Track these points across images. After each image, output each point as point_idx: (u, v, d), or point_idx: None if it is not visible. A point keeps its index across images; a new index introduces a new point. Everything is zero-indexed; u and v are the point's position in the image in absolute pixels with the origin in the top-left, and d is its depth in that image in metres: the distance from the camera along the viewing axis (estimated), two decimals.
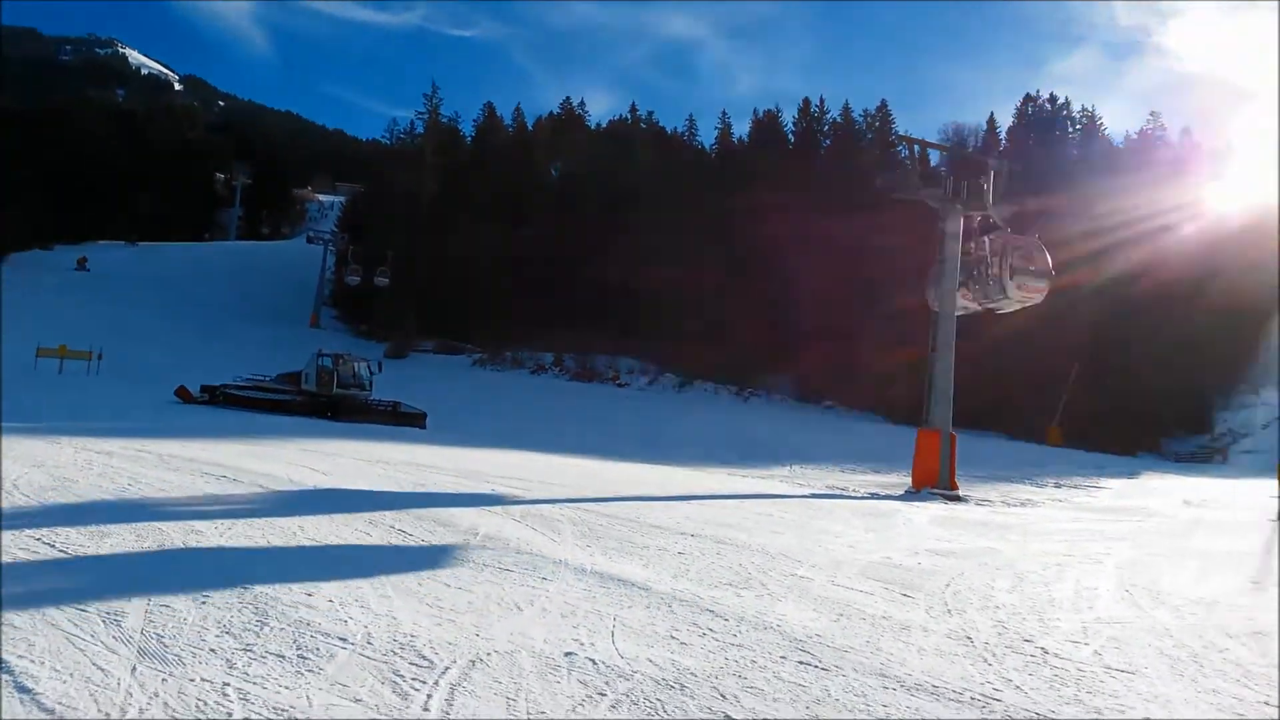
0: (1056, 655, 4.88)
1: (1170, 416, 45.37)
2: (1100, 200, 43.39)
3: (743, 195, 49.68)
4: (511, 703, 3.42)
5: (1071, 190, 42.79)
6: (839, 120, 61.50)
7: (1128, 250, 42.30)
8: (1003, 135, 60.12)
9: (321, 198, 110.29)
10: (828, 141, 61.22)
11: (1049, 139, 58.39)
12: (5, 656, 3.46)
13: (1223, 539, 11.78)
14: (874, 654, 4.62)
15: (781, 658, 4.41)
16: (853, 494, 16.05)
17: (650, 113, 69.88)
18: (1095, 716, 3.89)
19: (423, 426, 26.15)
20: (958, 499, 15.65)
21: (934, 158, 28.77)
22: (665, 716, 3.41)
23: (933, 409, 17.38)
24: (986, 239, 15.69)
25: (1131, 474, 25.95)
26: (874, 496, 15.63)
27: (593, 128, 71.93)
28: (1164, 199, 46.44)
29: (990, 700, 3.95)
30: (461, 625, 4.54)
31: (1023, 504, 15.76)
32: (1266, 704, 4.40)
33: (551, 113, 74.89)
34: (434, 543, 6.98)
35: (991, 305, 16.02)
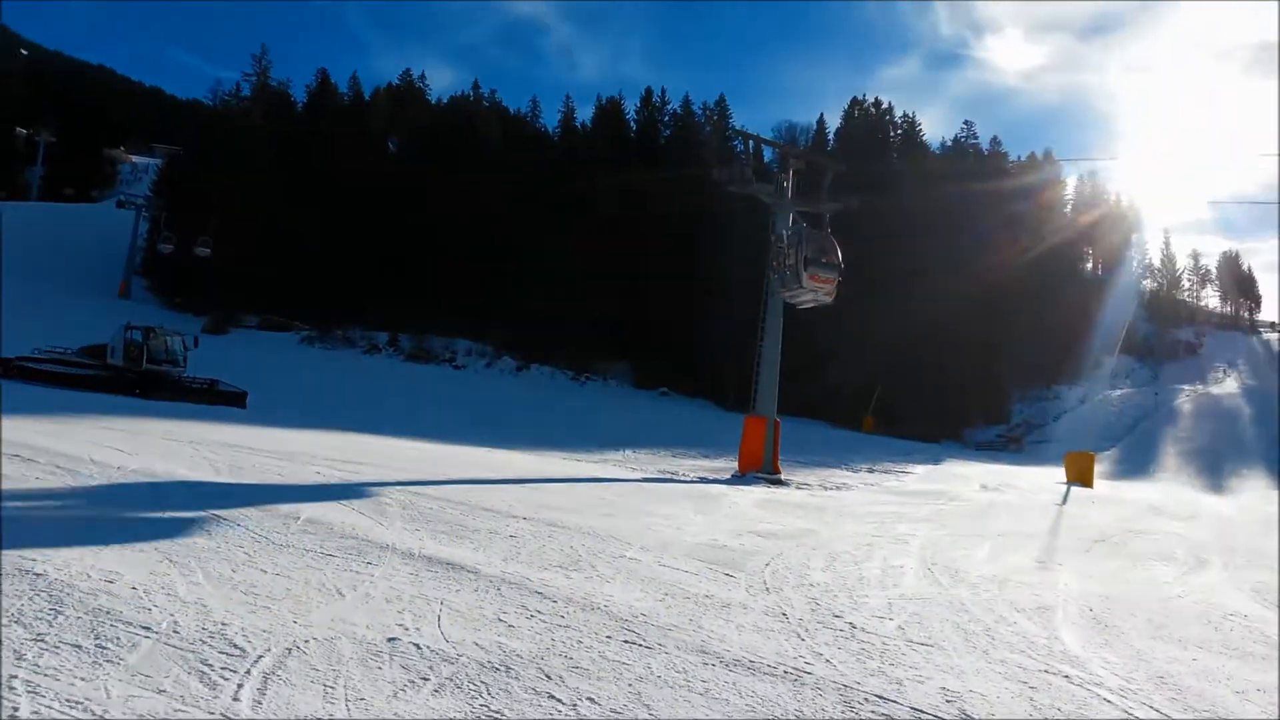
0: (864, 630, 5.21)
1: (972, 407, 48.91)
2: (917, 203, 46.12)
3: (585, 180, 49.76)
4: (329, 690, 3.34)
5: (893, 192, 45.22)
6: (679, 112, 62.64)
7: (940, 251, 45.24)
8: (831, 136, 62.91)
9: (135, 159, 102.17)
10: (668, 132, 62.20)
11: (874, 142, 61.43)
12: None
13: (1014, 521, 12.85)
14: (696, 631, 4.79)
15: (607, 637, 4.50)
16: (683, 478, 16.46)
17: (493, 91, 68.48)
18: (895, 686, 4.18)
19: (243, 406, 24.83)
20: (780, 483, 16.33)
21: (768, 154, 29.82)
22: (489, 699, 3.42)
23: (759, 397, 18.06)
24: (784, 232, 16.54)
25: (936, 460, 27.86)
26: (703, 480, 16.09)
27: (434, 102, 70.05)
28: (975, 205, 49.89)
29: (802, 673, 4.18)
30: (278, 613, 4.38)
31: (839, 487, 16.62)
32: (1046, 671, 4.86)
33: (390, 83, 72.53)
34: (251, 528, 6.67)
35: (789, 295, 16.87)
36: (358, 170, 54.10)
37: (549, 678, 3.73)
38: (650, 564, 6.66)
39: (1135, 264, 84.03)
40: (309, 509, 7.68)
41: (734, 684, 3.92)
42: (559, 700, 3.47)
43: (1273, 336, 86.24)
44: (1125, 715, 4.22)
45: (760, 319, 18.34)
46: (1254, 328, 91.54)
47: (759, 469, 17.10)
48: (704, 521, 9.50)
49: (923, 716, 3.75)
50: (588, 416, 32.73)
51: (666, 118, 62.86)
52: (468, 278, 48.97)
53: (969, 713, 3.89)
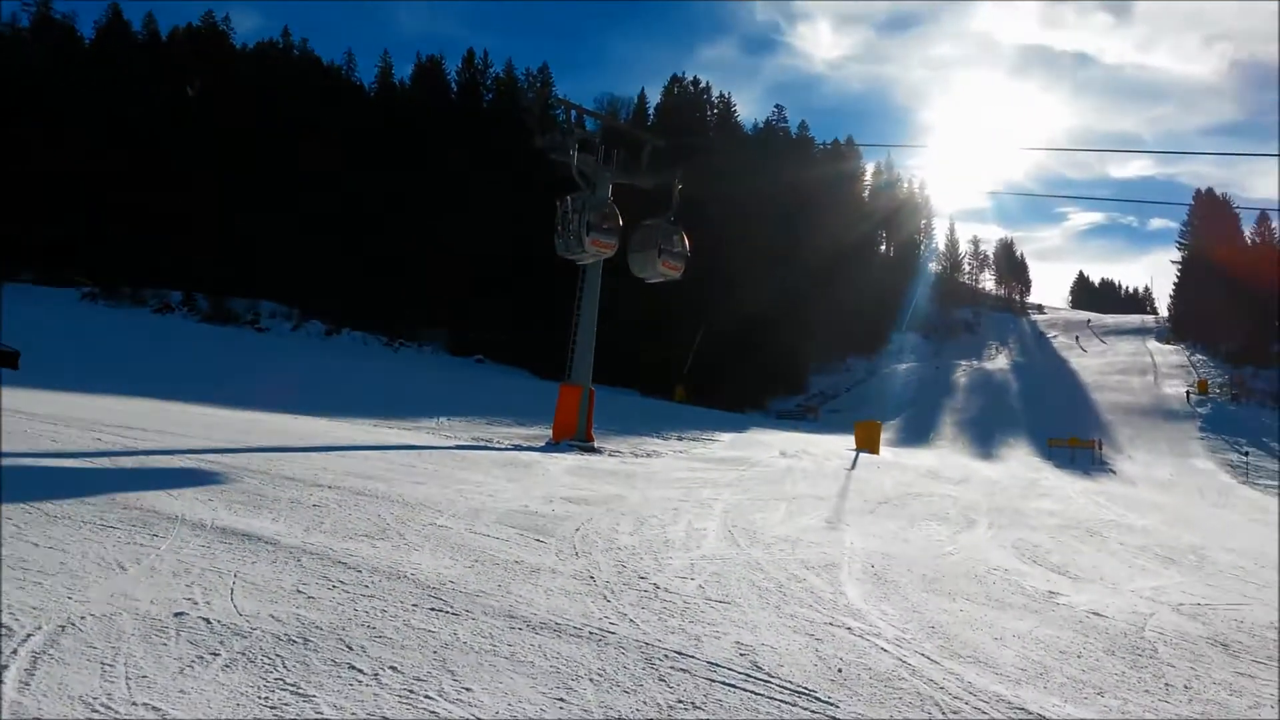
0: (666, 590, 5.41)
1: (775, 379, 51.31)
2: (730, 181, 47.52)
3: (404, 139, 48.06)
4: (108, 668, 3.14)
5: (709, 169, 46.37)
6: (502, 76, 61.60)
7: (748, 229, 46.92)
8: (652, 111, 63.77)
9: None
10: (490, 95, 61.04)
11: (692, 119, 62.76)
12: None
13: (809, 485, 13.63)
14: (505, 597, 4.82)
15: (414, 605, 4.45)
16: (497, 445, 16.39)
17: (304, 40, 64.77)
18: (694, 642, 4.38)
19: (14, 367, 22.52)
20: (593, 450, 16.58)
21: (590, 125, 29.80)
22: (285, 673, 3.32)
23: (575, 366, 18.21)
24: (569, 198, 17.16)
25: (741, 429, 29.06)
26: (517, 448, 16.08)
27: (239, 47, 65.37)
28: (783, 186, 51.97)
29: (606, 633, 4.31)
30: (50, 588, 4.06)
31: (649, 455, 17.05)
32: (831, 624, 5.22)
33: (191, 24, 67.06)
34: (21, 498, 6.11)
35: (571, 257, 17.68)
36: (154, 115, 49.79)
37: (350, 648, 3.65)
38: (461, 531, 6.62)
39: (923, 248, 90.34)
40: (88, 478, 7.12)
41: (540, 646, 3.99)
42: (360, 670, 3.42)
43: (1040, 318, 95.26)
44: (899, 662, 4.61)
45: (578, 288, 18.45)
46: (1024, 310, 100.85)
47: (573, 437, 17.28)
48: (516, 488, 9.52)
49: (717, 669, 3.96)
50: (400, 383, 31.86)
51: (489, 81, 61.64)
52: (276, 235, 46.29)
53: (760, 664, 4.14)
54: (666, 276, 18.62)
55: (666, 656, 4.05)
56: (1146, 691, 4.81)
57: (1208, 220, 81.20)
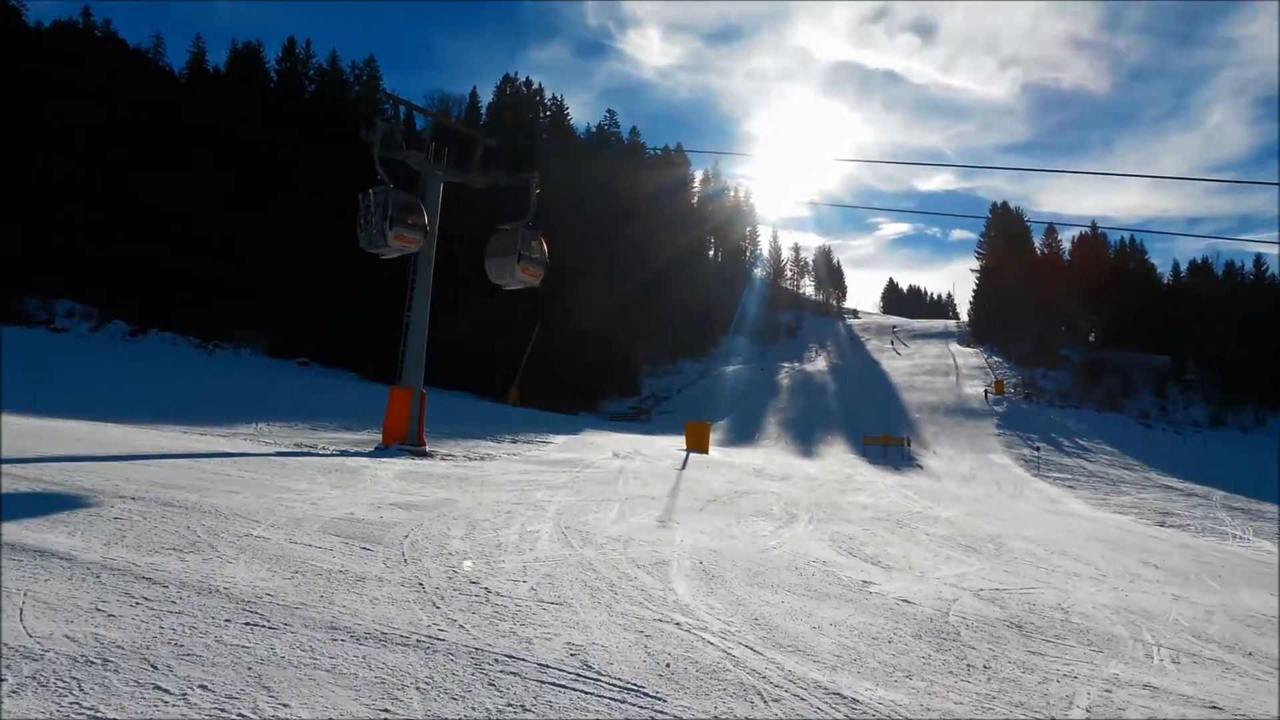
0: (498, 594, 5.37)
1: (608, 381, 51.81)
2: (562, 185, 47.61)
3: (216, 129, 45.34)
4: None
5: (540, 171, 46.29)
6: (325, 67, 59.19)
7: (581, 233, 47.09)
8: (484, 110, 63.03)
9: None
10: (313, 87, 58.55)
11: (525, 120, 62.47)
12: None
13: (641, 485, 13.82)
14: (327, 608, 4.64)
15: (226, 621, 4.22)
16: (321, 451, 15.73)
17: (107, 21, 59.90)
18: (525, 645, 4.36)
19: None
20: (425, 454, 16.20)
21: (420, 122, 29.16)
22: (81, 696, 3.07)
23: (405, 368, 17.76)
24: (371, 192, 16.88)
25: (575, 430, 29.16)
26: (343, 454, 15.50)
27: (31, 25, 59.75)
28: (615, 190, 52.57)
29: (435, 640, 4.22)
30: None
31: (482, 458, 16.83)
32: (660, 620, 5.32)
33: None
34: None
35: (374, 250, 17.41)
36: None
37: (155, 668, 3.42)
38: (280, 541, 6.32)
39: (750, 254, 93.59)
40: None
41: (364, 657, 3.87)
42: (166, 691, 3.21)
43: (855, 322, 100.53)
44: (724, 654, 4.76)
45: (408, 287, 18.00)
46: (840, 314, 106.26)
47: (403, 441, 16.83)
48: (342, 495, 9.18)
49: (548, 671, 3.96)
50: (215, 387, 30.04)
51: (312, 72, 59.09)
52: (74, 228, 42.61)
53: (590, 663, 4.17)
54: (525, 284, 18.52)
55: (497, 660, 4.02)
56: (950, 673, 5.17)
57: (1002, 232, 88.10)
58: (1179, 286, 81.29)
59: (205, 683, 3.33)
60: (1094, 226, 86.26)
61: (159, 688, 3.22)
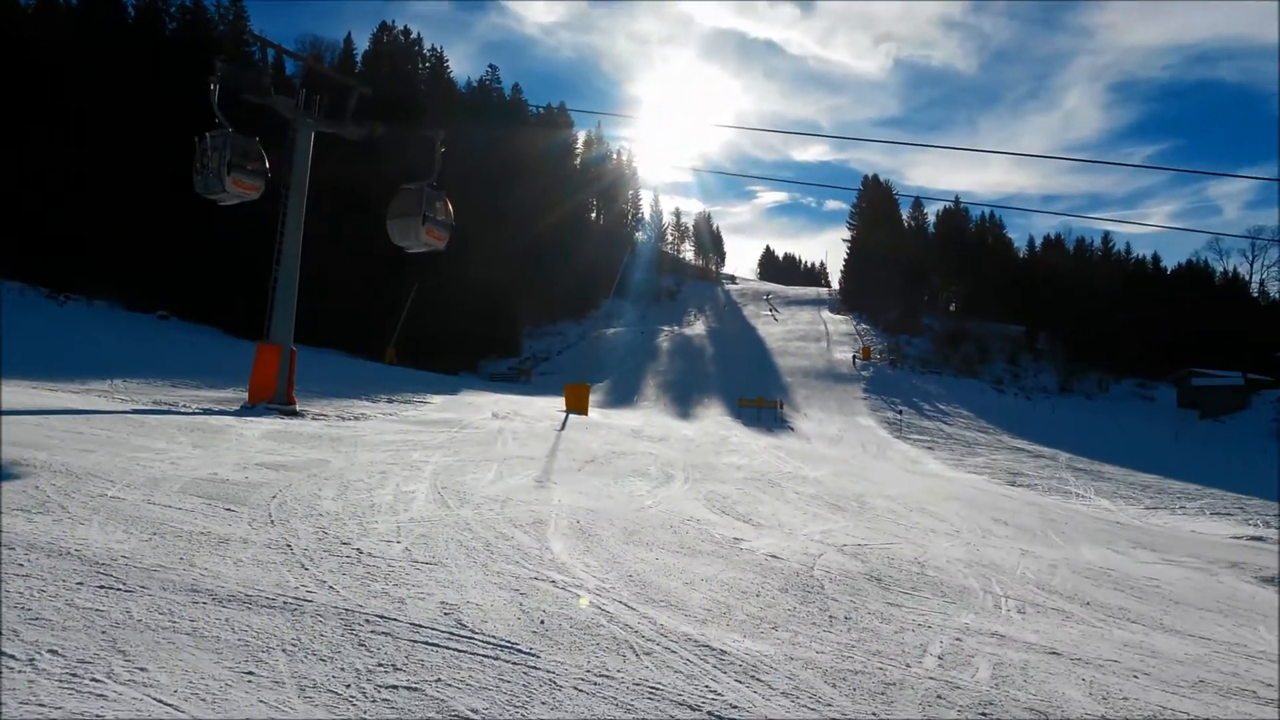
0: (370, 555, 5.29)
1: (488, 341, 51.22)
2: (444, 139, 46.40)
3: (66, 60, 42.07)
4: None
5: (419, 123, 44.94)
6: (188, 4, 55.66)
7: (465, 190, 46.07)
8: (359, 58, 60.58)
9: None
10: (174, 25, 54.96)
11: (401, 71, 60.43)
12: None
13: (520, 446, 13.80)
14: (187, 570, 4.47)
15: (79, 584, 4.01)
16: (183, 409, 15.02)
17: None
18: (398, 605, 4.32)
19: None
20: (295, 413, 15.69)
21: (291, 67, 27.86)
22: None
23: (274, 324, 17.09)
24: (208, 135, 16.17)
25: (454, 390, 28.74)
26: (207, 412, 14.84)
27: None
28: (497, 148, 51.66)
29: (302, 602, 4.13)
30: None
31: (357, 418, 16.43)
32: (536, 579, 5.35)
33: None
34: None
35: (211, 197, 16.74)
36: None
37: None
38: (137, 502, 6.03)
39: (632, 218, 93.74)
40: None
41: (227, 620, 3.75)
42: (12, 657, 3.04)
43: (732, 288, 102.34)
44: (599, 610, 4.84)
45: (277, 238, 17.27)
46: (719, 280, 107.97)
47: (271, 400, 16.23)
48: (204, 455, 8.81)
49: (421, 630, 3.94)
50: (66, 342, 28.18)
51: (173, 9, 55.43)
52: None
53: (464, 622, 4.17)
54: (431, 246, 17.88)
55: (368, 621, 3.97)
56: (814, 624, 5.40)
57: (873, 204, 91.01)
58: (1034, 260, 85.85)
59: (55, 647, 3.17)
60: (957, 201, 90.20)
61: (4, 654, 3.05)
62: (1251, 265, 63.71)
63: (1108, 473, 28.64)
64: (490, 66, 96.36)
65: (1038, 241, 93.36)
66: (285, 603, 4.09)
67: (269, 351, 16.64)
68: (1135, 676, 5.24)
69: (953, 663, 4.92)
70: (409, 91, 50.92)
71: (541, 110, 73.40)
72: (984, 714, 4.02)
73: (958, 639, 5.55)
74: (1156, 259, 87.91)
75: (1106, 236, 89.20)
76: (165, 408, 15.12)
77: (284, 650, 3.48)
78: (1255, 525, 21.54)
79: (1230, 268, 71.80)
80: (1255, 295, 66.36)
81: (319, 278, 22.65)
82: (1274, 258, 61.61)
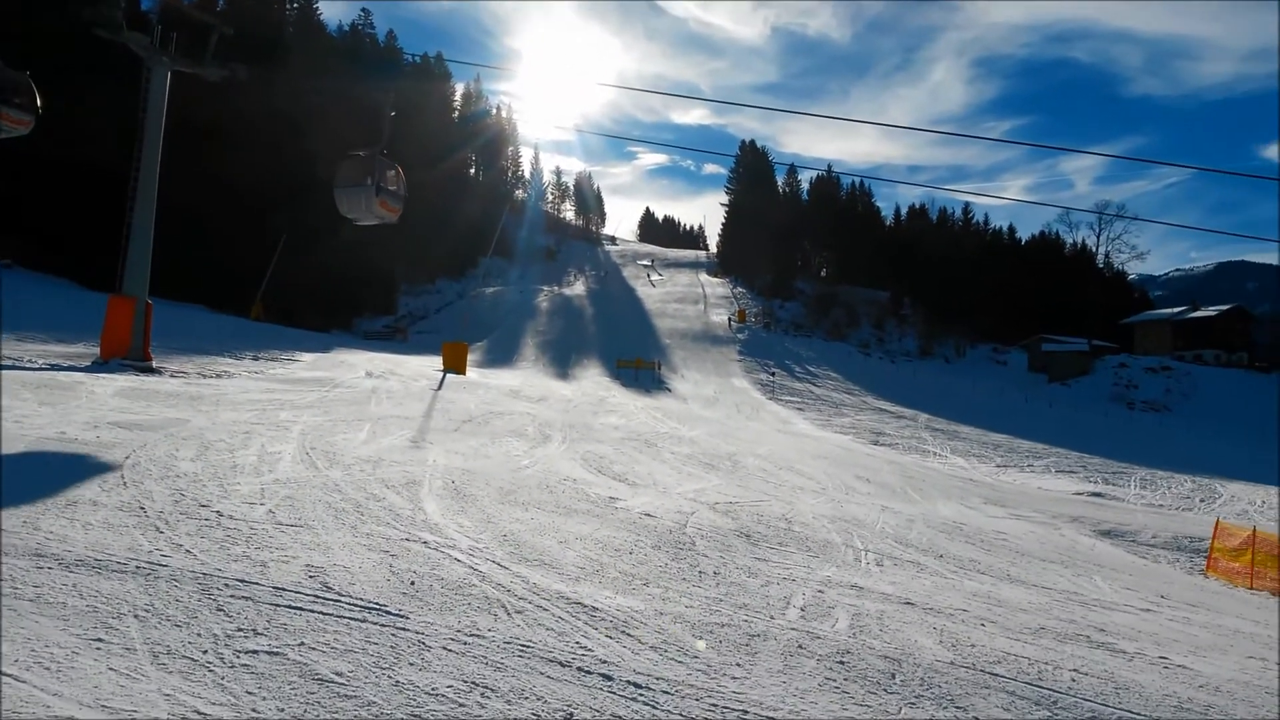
0: (231, 517, 5.10)
1: (362, 298, 49.72)
2: (315, 85, 44.43)
3: None
4: None
5: (287, 65, 42.86)
6: None
7: (335, 139, 44.18)
8: None
9: None
10: None
11: (269, 10, 57.29)
12: None
13: (394, 405, 13.52)
14: (31, 534, 4.22)
15: None
16: (28, 365, 14.06)
17: None
18: (259, 568, 4.20)
19: None
20: (151, 370, 14.91)
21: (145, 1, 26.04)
22: None
23: (128, 275, 16.11)
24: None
25: (325, 348, 27.88)
26: (55, 368, 13.93)
27: None
28: (368, 97, 49.76)
29: (157, 566, 3.97)
30: None
31: (219, 375, 15.75)
32: (407, 540, 5.29)
33: None
34: None
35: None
36: None
37: None
38: None
39: (511, 175, 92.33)
40: None
41: (74, 585, 3.57)
42: None
43: (613, 249, 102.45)
44: (471, 570, 4.82)
45: (130, 184, 16.24)
46: (599, 240, 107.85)
47: (126, 355, 15.36)
48: (52, 413, 8.29)
49: (284, 594, 3.84)
50: None
51: None
52: None
53: (330, 584, 4.09)
54: (382, 219, 16.64)
55: (227, 585, 3.84)
56: (684, 579, 5.54)
57: (750, 169, 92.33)
58: (900, 229, 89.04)
59: None
60: (829, 169, 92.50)
61: None
62: (1098, 238, 67.65)
63: (963, 433, 30.21)
64: (363, 10, 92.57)
65: (903, 210, 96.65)
66: (138, 567, 3.92)
67: (123, 304, 15.71)
68: (982, 625, 5.60)
69: (814, 614, 5.14)
70: (275, 32, 48.29)
71: (418, 59, 70.92)
72: (841, 662, 4.22)
73: (820, 591, 5.80)
74: (1012, 230, 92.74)
75: (967, 207, 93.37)
76: (9, 363, 14.12)
77: (136, 616, 3.34)
78: (1095, 482, 23.21)
79: (1079, 240, 76.06)
80: (1101, 266, 70.60)
81: (179, 227, 21.48)
82: (1118, 231, 65.61)
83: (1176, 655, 5.71)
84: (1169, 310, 71.72)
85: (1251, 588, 12.20)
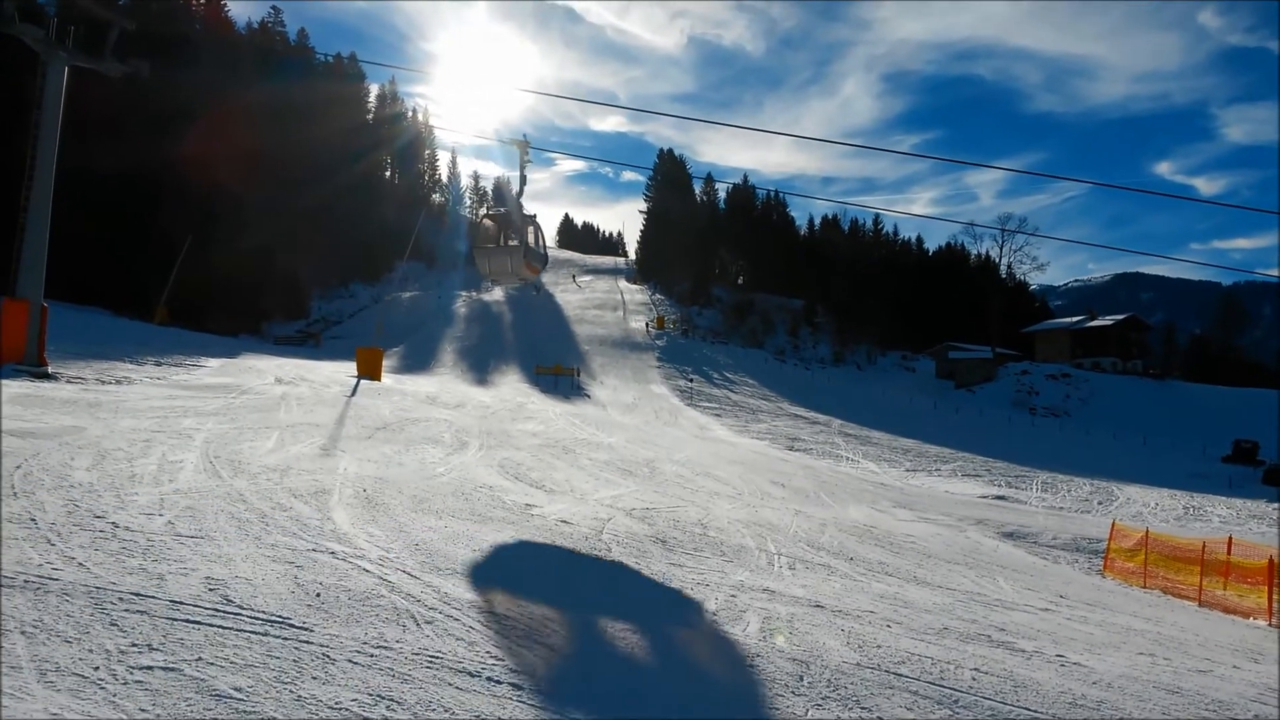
0: (128, 529, 4.91)
1: (272, 302, 48.38)
2: (218, 83, 43.12)
3: None
4: None
5: (192, 68, 41.47)
6: None
7: (241, 139, 42.89)
8: None
9: None
10: None
11: (172, 5, 55.33)
12: None
13: (305, 412, 13.19)
14: None
15: None
16: None
17: None
18: (156, 581, 4.05)
19: None
20: (47, 376, 14.26)
21: None
22: None
23: (21, 276, 15.38)
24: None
25: (233, 354, 27.03)
26: None
27: None
28: (280, 96, 48.62)
29: (47, 580, 3.80)
30: None
31: (119, 382, 15.13)
32: (314, 550, 5.17)
33: None
34: None
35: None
36: None
37: None
38: None
39: (428, 179, 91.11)
40: None
41: None
42: None
43: None
44: (380, 580, 4.74)
45: (24, 183, 15.52)
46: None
47: (20, 361, 14.66)
48: None
49: (181, 607, 3.72)
50: None
51: None
52: None
53: (231, 597, 3.97)
54: (525, 280, 14.46)
55: (121, 599, 3.70)
56: (599, 586, 5.56)
57: (667, 177, 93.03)
58: (813, 239, 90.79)
59: None
60: (745, 179, 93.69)
61: None
62: (1001, 249, 70.10)
63: (875, 438, 30.94)
64: (273, 8, 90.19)
65: (817, 221, 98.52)
66: (26, 581, 3.75)
67: (16, 307, 15.00)
68: (889, 626, 5.75)
69: (726, 618, 5.21)
70: (178, 30, 46.65)
71: (330, 59, 69.30)
72: (751, 666, 4.28)
73: (733, 595, 5.87)
74: (920, 240, 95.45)
75: (877, 219, 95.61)
76: None
77: (22, 633, 3.19)
78: (999, 485, 24.03)
79: (984, 251, 78.66)
80: (1004, 277, 73.14)
81: (76, 227, 20.60)
82: (1020, 243, 68.15)
83: (1073, 653, 5.96)
84: (1068, 319, 74.67)
85: (1145, 587, 12.80)
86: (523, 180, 14.34)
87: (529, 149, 13.96)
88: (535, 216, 14.40)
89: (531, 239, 14.26)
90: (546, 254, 14.75)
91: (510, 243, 13.90)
